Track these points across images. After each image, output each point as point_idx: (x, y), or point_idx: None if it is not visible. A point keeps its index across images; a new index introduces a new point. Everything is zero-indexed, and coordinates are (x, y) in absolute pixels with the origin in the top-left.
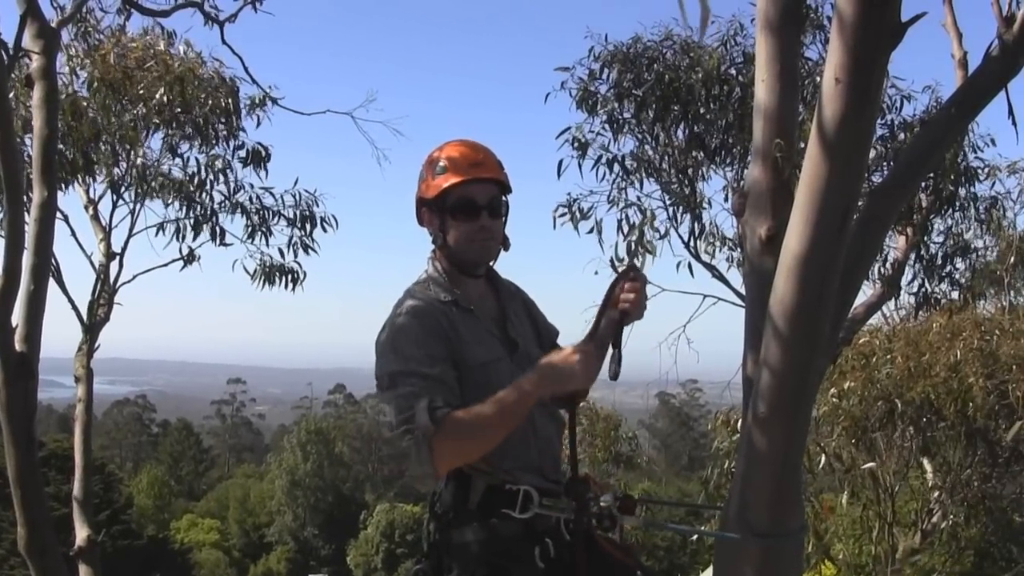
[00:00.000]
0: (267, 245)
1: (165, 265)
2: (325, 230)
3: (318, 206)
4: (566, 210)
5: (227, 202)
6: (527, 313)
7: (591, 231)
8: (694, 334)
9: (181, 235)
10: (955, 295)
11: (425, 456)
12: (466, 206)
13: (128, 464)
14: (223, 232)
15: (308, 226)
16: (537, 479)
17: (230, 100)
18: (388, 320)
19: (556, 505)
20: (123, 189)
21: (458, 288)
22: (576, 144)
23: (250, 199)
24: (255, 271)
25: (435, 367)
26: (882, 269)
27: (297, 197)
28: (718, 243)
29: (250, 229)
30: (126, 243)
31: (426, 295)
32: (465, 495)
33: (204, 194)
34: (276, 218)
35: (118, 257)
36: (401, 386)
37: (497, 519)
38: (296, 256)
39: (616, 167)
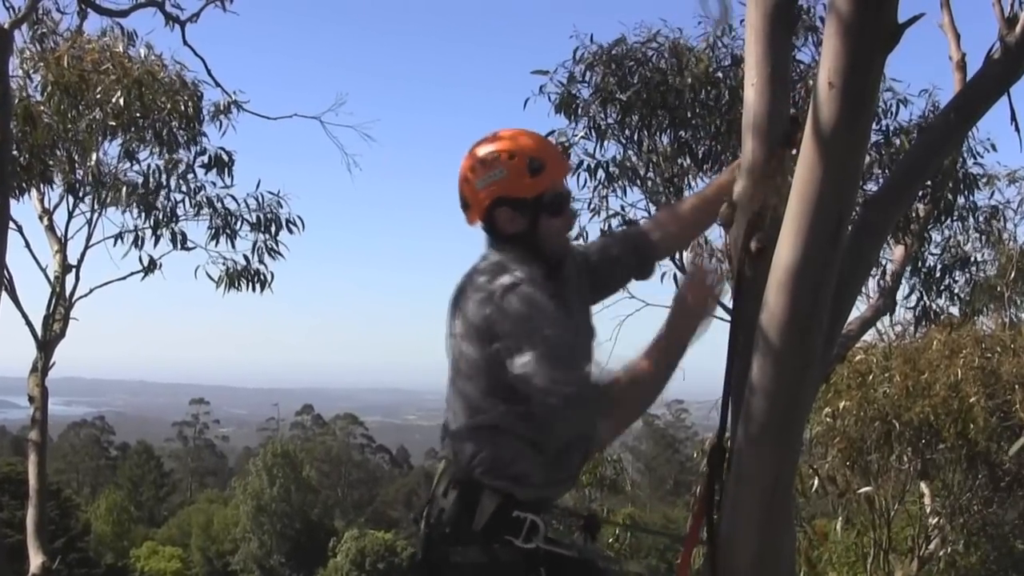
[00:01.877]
0: (232, 248)
1: (124, 278)
2: (291, 231)
3: (282, 207)
4: None
5: (188, 201)
6: (579, 285)
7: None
8: None
9: (140, 242)
10: (954, 310)
11: (590, 418)
12: (565, 198)
13: (85, 489)
14: (184, 236)
15: (273, 228)
16: (572, 485)
17: (191, 105)
18: (507, 286)
19: (561, 542)
20: (80, 196)
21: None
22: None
23: (210, 201)
24: (220, 277)
25: (575, 335)
26: (881, 282)
27: (260, 200)
28: (704, 255)
29: (213, 232)
30: (83, 254)
31: (525, 272)
32: (471, 515)
33: (164, 198)
34: (239, 222)
35: (74, 270)
36: (555, 348)
37: (499, 544)
38: (262, 261)
39: (600, 173)
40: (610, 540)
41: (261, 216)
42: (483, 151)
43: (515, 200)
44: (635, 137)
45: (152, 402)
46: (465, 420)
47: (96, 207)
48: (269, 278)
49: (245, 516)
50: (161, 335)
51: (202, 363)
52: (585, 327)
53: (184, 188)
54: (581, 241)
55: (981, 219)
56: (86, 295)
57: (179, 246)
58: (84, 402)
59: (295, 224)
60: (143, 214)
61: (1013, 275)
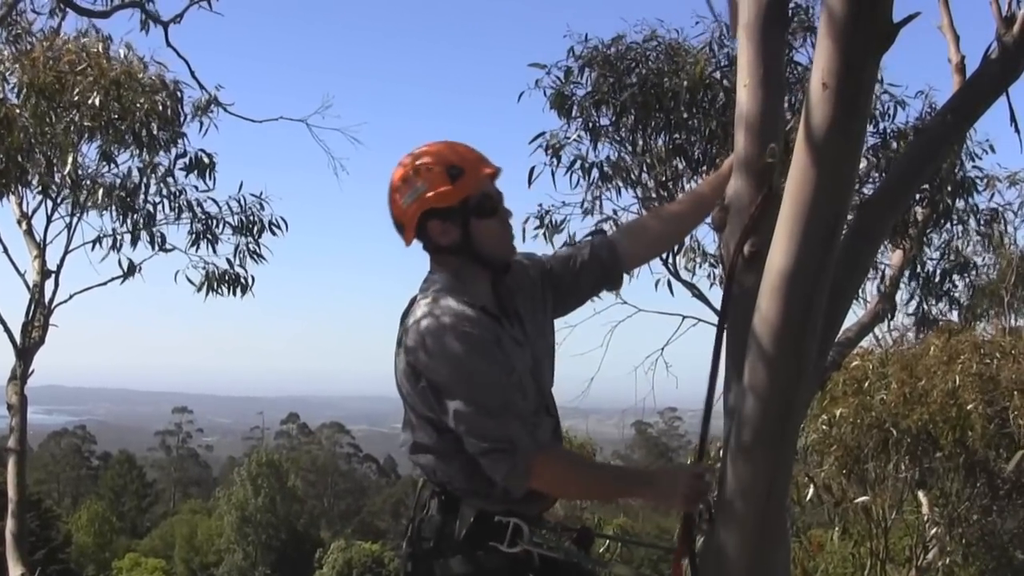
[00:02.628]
0: (213, 253)
1: (104, 283)
2: (274, 233)
3: (264, 209)
4: (538, 222)
5: (167, 204)
6: (532, 293)
7: (564, 246)
8: (673, 358)
9: (119, 245)
10: (954, 315)
11: (521, 472)
12: (494, 199)
13: (66, 499)
14: (164, 238)
15: (256, 231)
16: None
17: (171, 104)
18: (438, 327)
19: (546, 542)
20: (59, 200)
21: (471, 295)
22: (551, 150)
23: (190, 205)
24: (200, 282)
25: (521, 392)
26: (880, 287)
27: (242, 202)
28: (698, 259)
29: (194, 236)
30: (62, 260)
31: (462, 305)
32: (452, 524)
33: (143, 200)
34: (221, 225)
35: (53, 275)
36: (484, 397)
37: (483, 551)
38: (243, 264)
39: (594, 172)
40: (601, 551)
41: (243, 219)
42: (402, 170)
43: (442, 210)
44: (630, 138)
45: (134, 411)
46: (427, 443)
47: (75, 211)
48: (250, 282)
49: (229, 527)
50: (143, 343)
51: (185, 371)
52: (538, 337)
53: (164, 191)
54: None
55: (982, 222)
56: (65, 301)
57: (157, 248)
58: (65, 411)
59: (278, 226)
60: (121, 217)
61: (1013, 279)
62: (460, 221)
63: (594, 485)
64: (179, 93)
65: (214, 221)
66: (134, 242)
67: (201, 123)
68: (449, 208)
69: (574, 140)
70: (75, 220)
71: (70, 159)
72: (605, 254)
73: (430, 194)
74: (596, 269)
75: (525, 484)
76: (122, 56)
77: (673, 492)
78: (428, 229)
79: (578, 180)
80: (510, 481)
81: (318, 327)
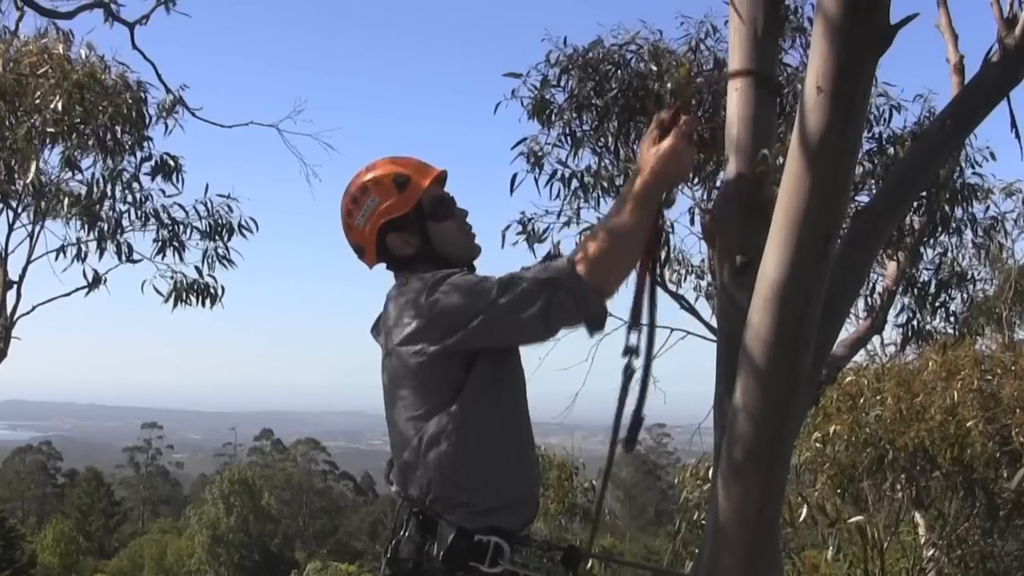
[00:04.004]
0: (180, 261)
1: (69, 294)
2: (244, 235)
3: (232, 211)
4: (520, 228)
5: (132, 211)
6: None
7: (547, 256)
8: (660, 372)
9: (83, 256)
10: (950, 329)
11: (586, 290)
12: (446, 201)
13: (31, 518)
14: (130, 248)
15: (225, 234)
16: (529, 512)
17: (135, 107)
18: (429, 278)
19: (530, 563)
20: (20, 209)
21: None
22: (532, 158)
23: (156, 212)
24: (169, 292)
25: None
26: (870, 299)
27: (209, 205)
28: (684, 271)
29: (160, 244)
30: (24, 270)
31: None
32: (431, 544)
33: (108, 208)
34: (189, 231)
35: (15, 286)
36: (506, 280)
37: (464, 572)
38: (212, 270)
39: (574, 182)
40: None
41: (211, 223)
42: (350, 196)
43: (397, 221)
44: (612, 146)
45: (102, 426)
46: (412, 444)
47: (37, 220)
48: (219, 292)
49: (200, 547)
50: (111, 356)
51: (155, 385)
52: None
53: (130, 198)
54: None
55: (979, 232)
56: (28, 313)
57: (124, 259)
58: (29, 426)
59: (247, 228)
60: (86, 226)
61: (1011, 295)
62: (418, 228)
63: (633, 228)
64: (143, 95)
65: (181, 227)
66: (100, 252)
67: (166, 125)
68: (404, 217)
69: (554, 146)
70: (38, 229)
71: (33, 166)
72: None
73: (382, 207)
74: None
75: (600, 293)
76: (83, 57)
77: (680, 160)
78: (388, 244)
79: (559, 191)
80: (592, 305)
81: (292, 339)
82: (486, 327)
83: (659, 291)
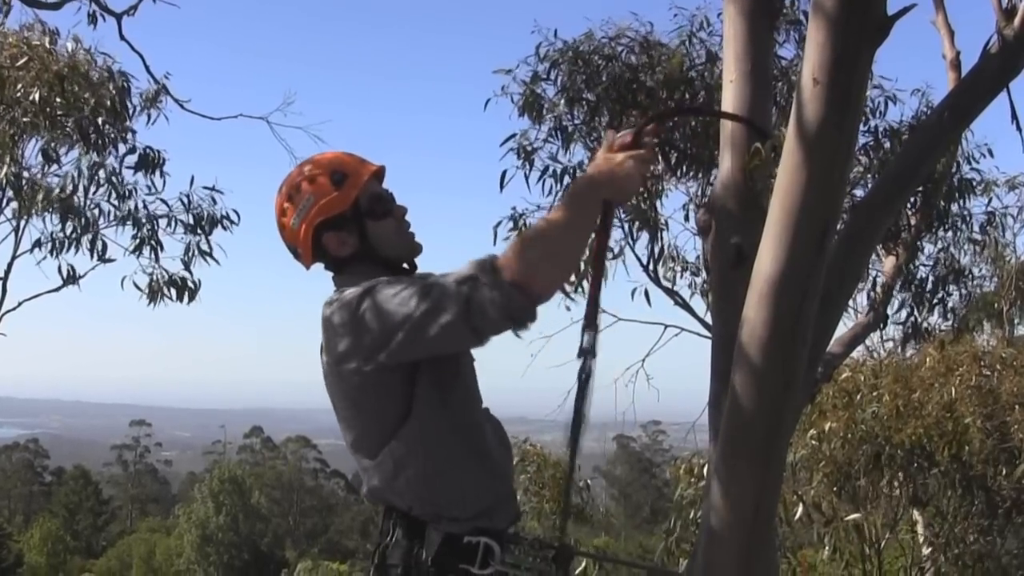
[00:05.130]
0: (156, 260)
1: (55, 290)
2: (226, 228)
3: (216, 203)
4: (512, 224)
5: (112, 210)
6: None
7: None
8: (654, 369)
9: (59, 250)
10: (947, 325)
11: (504, 285)
12: (385, 198)
13: (18, 517)
14: (104, 246)
15: (207, 227)
16: (513, 508)
17: (118, 97)
18: (359, 292)
19: (521, 563)
20: (3, 204)
21: None
22: (522, 154)
23: (131, 211)
24: (148, 287)
25: None
26: (871, 293)
27: (191, 199)
28: (679, 267)
29: (137, 242)
30: (9, 265)
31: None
32: (419, 548)
33: (85, 203)
34: (172, 224)
35: (1, 282)
36: (428, 282)
37: (454, 575)
38: (192, 265)
39: (566, 178)
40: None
41: (194, 215)
42: (284, 191)
43: (334, 219)
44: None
45: (89, 424)
46: (380, 470)
47: (21, 214)
48: (196, 286)
49: (189, 546)
50: (98, 353)
51: (143, 382)
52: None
53: (112, 194)
54: None
55: (976, 227)
56: (13, 309)
57: (96, 257)
58: (16, 423)
59: (229, 219)
60: (63, 222)
61: (1013, 292)
62: (355, 227)
63: (564, 226)
64: (126, 84)
65: (164, 220)
66: (74, 247)
67: (149, 115)
68: (341, 216)
69: (546, 141)
70: (22, 224)
71: (7, 157)
72: None
73: (319, 204)
74: None
75: (523, 291)
76: (69, 50)
77: (629, 175)
78: (324, 244)
79: (551, 187)
80: (512, 304)
81: (283, 336)
82: (409, 342)
83: (653, 288)
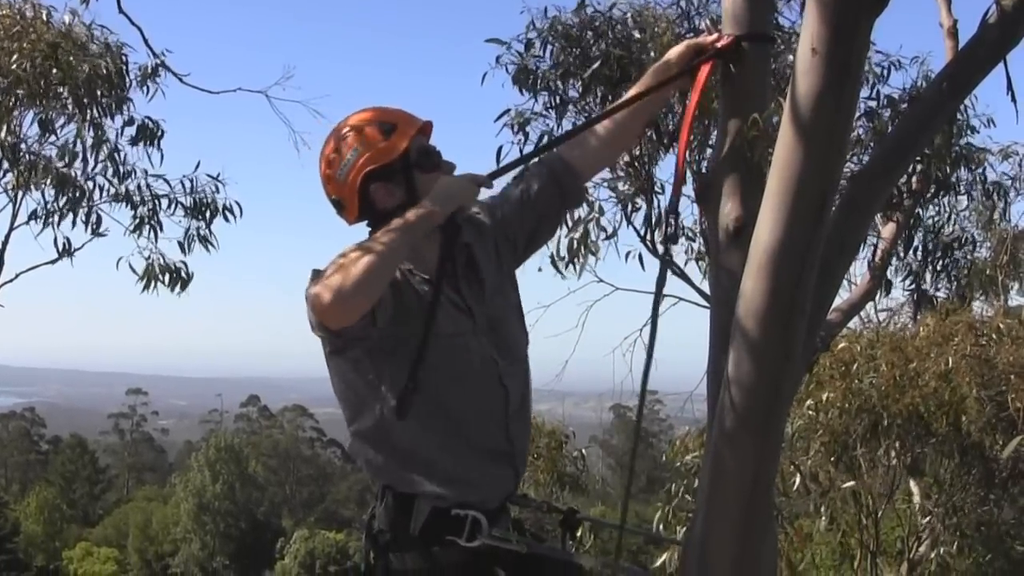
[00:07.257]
0: (155, 241)
1: (52, 262)
2: (227, 219)
3: (219, 192)
4: None
5: (108, 185)
6: (485, 245)
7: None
8: None
9: (51, 221)
10: (945, 294)
11: (310, 294)
12: (434, 152)
13: (14, 485)
14: (99, 219)
15: (208, 214)
16: (508, 469)
17: (114, 66)
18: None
19: (507, 536)
20: (1, 174)
21: (417, 260)
22: (517, 128)
23: (139, 187)
24: (145, 270)
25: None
26: (871, 261)
27: (194, 182)
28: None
29: (137, 221)
30: (7, 237)
31: None
32: (407, 518)
33: (80, 174)
34: (173, 206)
35: None
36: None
37: (439, 546)
38: (190, 250)
39: None
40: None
41: (195, 199)
42: (331, 144)
43: (383, 170)
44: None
45: (86, 392)
46: (362, 452)
47: (19, 185)
48: (189, 277)
49: (186, 515)
50: (95, 321)
51: (139, 350)
52: (495, 295)
53: (110, 171)
54: None
55: (976, 195)
56: (11, 280)
57: (90, 231)
58: (12, 392)
59: (231, 211)
60: (57, 194)
61: (1006, 259)
62: (403, 179)
63: (377, 251)
64: (124, 56)
65: (164, 201)
66: (66, 219)
67: (147, 89)
68: (390, 166)
69: (541, 115)
70: (20, 195)
71: (3, 129)
72: (559, 166)
73: (368, 154)
74: (553, 190)
75: (316, 308)
76: (66, 22)
77: (452, 195)
78: (371, 196)
79: None
80: (315, 313)
81: (281, 304)
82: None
83: (649, 257)
